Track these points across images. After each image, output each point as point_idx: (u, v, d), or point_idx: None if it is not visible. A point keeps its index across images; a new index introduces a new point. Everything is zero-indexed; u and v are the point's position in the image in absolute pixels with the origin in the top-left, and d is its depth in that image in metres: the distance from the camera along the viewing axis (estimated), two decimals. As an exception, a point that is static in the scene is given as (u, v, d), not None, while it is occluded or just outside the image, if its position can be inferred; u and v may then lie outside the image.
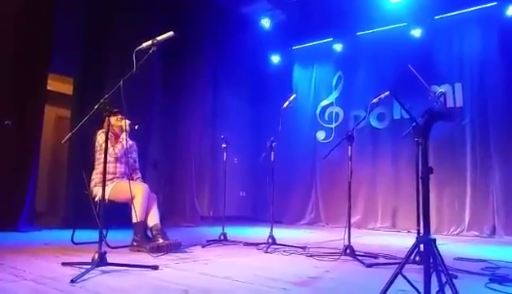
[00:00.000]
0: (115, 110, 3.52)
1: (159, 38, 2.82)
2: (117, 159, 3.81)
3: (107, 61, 5.94)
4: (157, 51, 2.81)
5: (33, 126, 5.26)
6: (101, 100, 2.75)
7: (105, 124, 3.76)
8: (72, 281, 2.23)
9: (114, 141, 3.81)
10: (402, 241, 5.19)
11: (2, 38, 5.01)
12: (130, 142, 3.84)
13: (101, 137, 3.78)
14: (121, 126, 3.83)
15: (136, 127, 3.80)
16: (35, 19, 5.24)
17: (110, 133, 3.62)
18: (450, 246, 4.87)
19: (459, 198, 6.43)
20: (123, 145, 3.79)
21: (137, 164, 4.19)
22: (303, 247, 4.00)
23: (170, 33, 2.85)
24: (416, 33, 6.96)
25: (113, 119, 3.74)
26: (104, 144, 3.70)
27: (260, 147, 4.79)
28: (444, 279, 1.82)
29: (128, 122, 3.80)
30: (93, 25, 6.21)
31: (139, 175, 4.17)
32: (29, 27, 5.16)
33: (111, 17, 6.20)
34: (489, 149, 6.27)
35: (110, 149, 3.64)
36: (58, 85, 6.83)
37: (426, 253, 1.88)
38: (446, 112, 6.03)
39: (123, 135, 3.80)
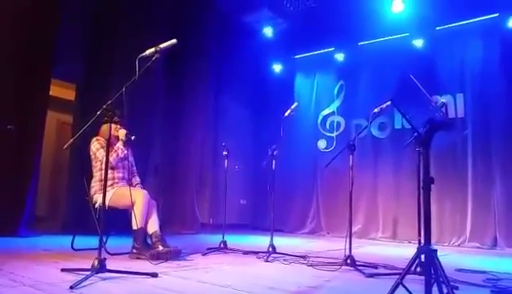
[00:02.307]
0: (116, 119, 3.52)
1: (162, 46, 2.83)
2: (113, 167, 3.81)
3: (110, 67, 5.96)
4: (160, 57, 2.83)
5: (35, 131, 5.26)
6: (104, 107, 2.75)
7: (102, 131, 3.81)
8: (71, 287, 2.22)
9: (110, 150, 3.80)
10: (403, 251, 5.16)
11: (5, 43, 5.04)
12: (125, 151, 3.85)
13: (94, 145, 3.82)
14: (117, 136, 3.83)
15: (132, 138, 3.80)
16: (38, 23, 5.26)
17: (104, 141, 3.66)
18: (451, 257, 4.85)
19: (460, 208, 6.40)
20: (118, 154, 3.80)
21: (135, 168, 4.18)
22: (304, 257, 3.99)
23: (173, 41, 2.86)
24: (418, 43, 6.98)
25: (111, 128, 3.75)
26: (97, 153, 3.75)
27: (261, 155, 4.79)
28: (445, 290, 1.81)
29: (123, 131, 3.81)
30: (96, 31, 6.25)
31: (138, 180, 4.16)
32: (32, 31, 5.18)
33: (114, 23, 6.23)
34: (491, 160, 6.25)
35: (105, 158, 3.63)
36: (60, 90, 6.87)
37: (427, 264, 1.87)
38: (448, 122, 6.03)
39: (119, 144, 3.81)
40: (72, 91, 6.57)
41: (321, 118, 8.34)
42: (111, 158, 3.74)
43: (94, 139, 3.84)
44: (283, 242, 5.18)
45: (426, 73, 6.54)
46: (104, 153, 3.66)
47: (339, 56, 8.00)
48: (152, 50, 2.80)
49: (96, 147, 3.79)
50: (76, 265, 2.84)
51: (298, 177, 8.24)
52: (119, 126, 3.82)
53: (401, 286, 1.91)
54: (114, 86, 2.94)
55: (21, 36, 5.14)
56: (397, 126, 7.21)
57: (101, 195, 2.83)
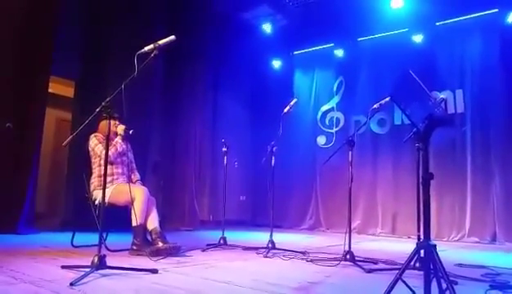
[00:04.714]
0: (115, 115, 3.52)
1: (160, 42, 2.83)
2: (112, 162, 3.81)
3: (108, 64, 5.96)
4: (158, 55, 2.82)
5: (34, 129, 5.25)
6: (103, 103, 2.75)
7: (100, 127, 3.82)
8: (71, 284, 2.23)
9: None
10: (403, 246, 5.17)
11: (4, 40, 5.03)
12: (123, 145, 3.86)
13: (92, 141, 3.83)
14: (116, 131, 3.83)
15: (130, 132, 3.81)
16: (37, 21, 5.25)
17: (103, 137, 3.66)
18: (450, 252, 4.86)
19: (459, 203, 6.41)
20: (116, 149, 3.80)
21: (134, 164, 4.18)
22: (303, 252, 4.00)
23: (172, 38, 2.86)
24: (418, 39, 6.97)
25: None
26: (95, 149, 3.76)
27: (260, 151, 4.78)
28: (444, 285, 1.82)
29: (122, 127, 3.81)
30: (95, 28, 6.24)
31: (138, 176, 4.17)
32: (31, 30, 5.17)
33: (113, 20, 6.22)
34: (490, 155, 6.26)
35: (103, 153, 3.63)
36: (59, 87, 6.85)
37: (426, 259, 1.88)
38: (447, 118, 6.02)
39: (117, 139, 3.82)
40: (71, 88, 6.56)
41: (320, 114, 8.33)
42: (110, 153, 3.74)
43: (92, 135, 3.85)
44: (282, 238, 5.20)
45: (425, 68, 6.53)
46: (102, 149, 3.68)
47: (339, 52, 7.98)
48: (151, 46, 2.80)
49: (95, 143, 3.80)
50: (76, 262, 2.84)
51: (298, 173, 8.24)
52: (117, 122, 3.82)
53: (400, 281, 1.91)
54: (113, 84, 2.93)
55: (21, 34, 5.12)
56: (397, 122, 7.21)
57: (101, 191, 2.82)
